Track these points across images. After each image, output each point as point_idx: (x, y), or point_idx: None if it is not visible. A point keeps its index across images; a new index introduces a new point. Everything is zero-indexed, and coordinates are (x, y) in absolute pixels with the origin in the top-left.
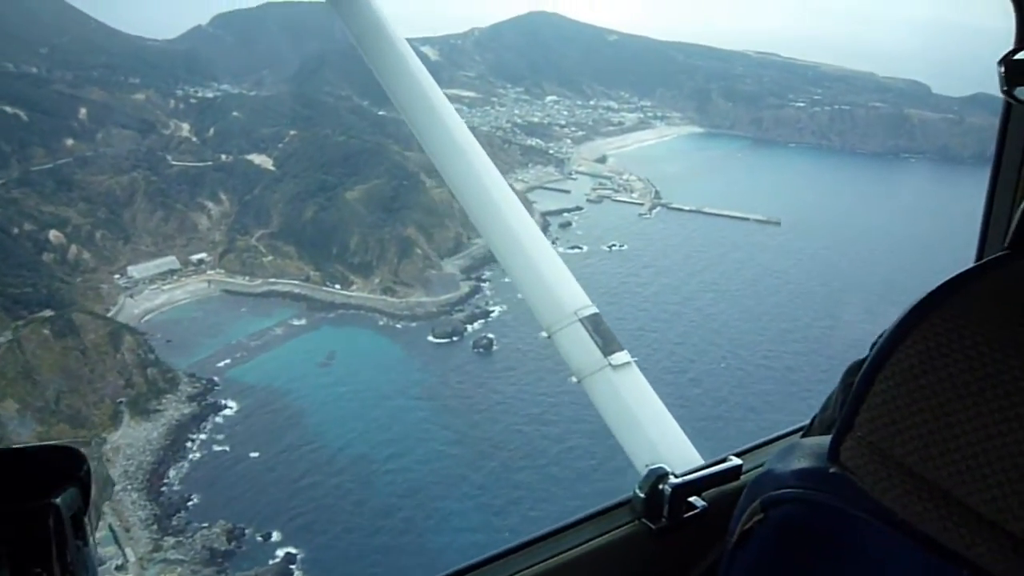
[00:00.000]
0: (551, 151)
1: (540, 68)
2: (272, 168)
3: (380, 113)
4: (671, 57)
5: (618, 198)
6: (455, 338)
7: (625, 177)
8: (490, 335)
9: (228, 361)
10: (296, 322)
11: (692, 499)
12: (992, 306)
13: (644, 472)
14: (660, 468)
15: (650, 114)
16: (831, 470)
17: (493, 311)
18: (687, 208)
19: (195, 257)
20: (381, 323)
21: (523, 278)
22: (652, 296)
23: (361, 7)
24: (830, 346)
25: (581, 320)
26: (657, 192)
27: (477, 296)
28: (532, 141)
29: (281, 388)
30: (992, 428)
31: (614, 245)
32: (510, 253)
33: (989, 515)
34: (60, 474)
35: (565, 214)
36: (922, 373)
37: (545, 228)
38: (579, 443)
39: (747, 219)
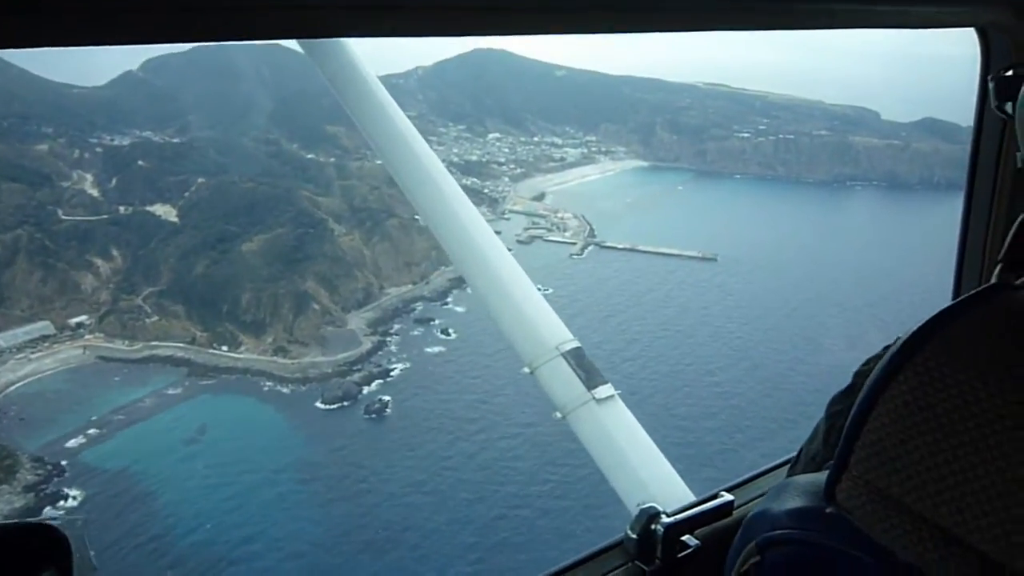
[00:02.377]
0: (486, 190)
1: (484, 105)
2: (175, 220)
3: (308, 156)
4: (618, 91)
5: (550, 238)
6: (347, 403)
7: (560, 215)
8: (385, 397)
9: (83, 440)
10: (172, 391)
11: (685, 538)
12: (980, 340)
13: (635, 511)
14: (652, 507)
15: (594, 149)
16: (828, 510)
17: (395, 369)
18: (620, 246)
19: (74, 321)
20: (267, 388)
21: (503, 315)
22: None
23: (337, 53)
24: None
25: (563, 354)
26: (591, 230)
27: (380, 353)
28: (468, 180)
29: (137, 471)
30: (990, 464)
31: (539, 289)
32: (490, 290)
33: (992, 554)
34: (36, 556)
35: None
36: (917, 410)
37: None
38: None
39: (682, 256)
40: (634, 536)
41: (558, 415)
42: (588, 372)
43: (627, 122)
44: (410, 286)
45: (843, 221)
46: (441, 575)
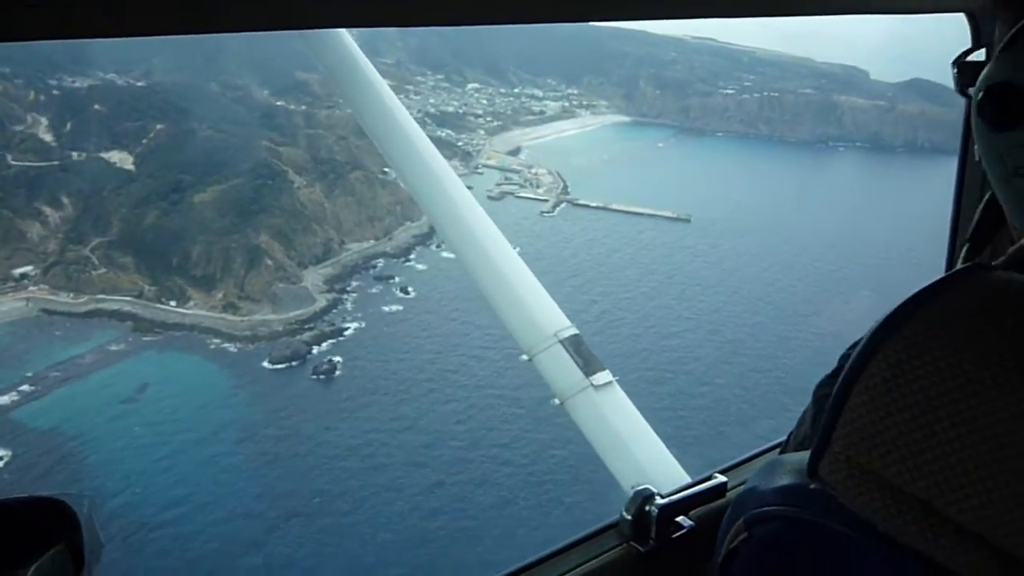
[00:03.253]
0: (460, 143)
1: (465, 54)
2: (131, 167)
3: (277, 103)
4: (604, 43)
5: (522, 194)
6: (295, 362)
7: (534, 171)
8: (336, 358)
9: (15, 397)
10: (114, 347)
11: (679, 519)
12: (958, 318)
13: (630, 494)
14: (646, 489)
15: (575, 102)
16: (811, 486)
17: (348, 328)
18: (593, 204)
19: (18, 271)
20: (213, 346)
21: (501, 302)
22: None
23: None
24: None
25: (561, 341)
26: (565, 187)
27: (335, 311)
28: (442, 132)
29: (68, 430)
30: (966, 439)
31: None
32: (488, 278)
33: (969, 525)
34: (46, 532)
35: None
36: (895, 387)
37: (433, 231)
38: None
39: (655, 216)
40: (629, 517)
41: (556, 402)
42: (586, 359)
43: (611, 75)
44: (372, 242)
45: (822, 184)
46: (365, 546)
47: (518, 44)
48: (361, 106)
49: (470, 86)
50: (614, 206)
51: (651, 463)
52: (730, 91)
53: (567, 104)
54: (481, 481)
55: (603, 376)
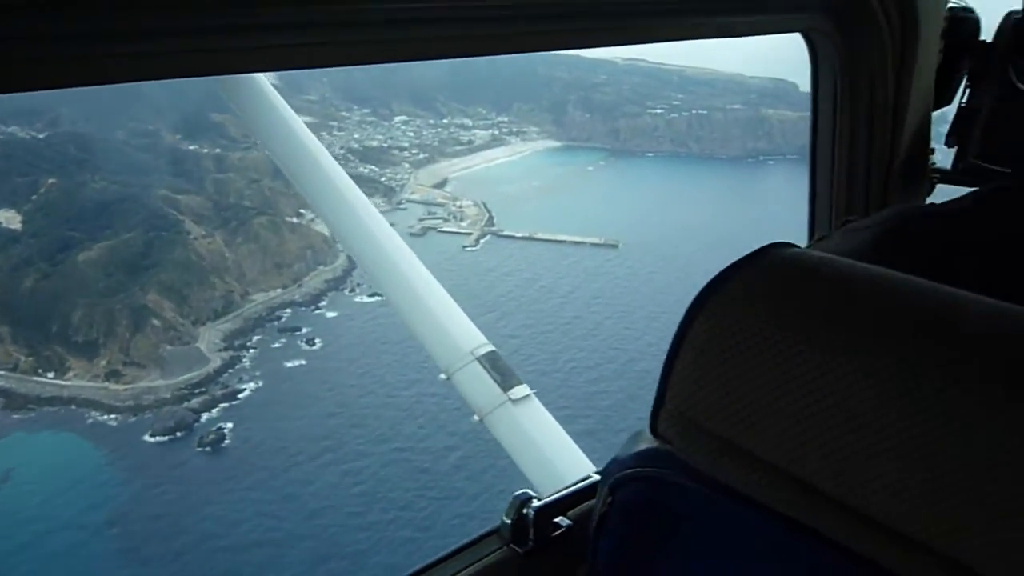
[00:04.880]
0: (384, 179)
1: (392, 87)
2: (17, 227)
3: (189, 148)
4: (533, 68)
5: (445, 228)
6: (180, 433)
7: (458, 203)
8: (227, 425)
9: None
10: None
11: (558, 519)
12: (754, 290)
13: (511, 500)
14: (524, 494)
15: (505, 130)
16: (656, 446)
17: (244, 390)
18: (519, 235)
19: None
20: (91, 421)
21: (418, 323)
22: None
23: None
24: None
25: (478, 359)
26: (490, 218)
27: (231, 371)
28: (365, 169)
29: None
30: (766, 388)
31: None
32: (403, 299)
33: (773, 461)
34: None
35: None
36: (709, 350)
37: (349, 272)
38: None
39: (583, 243)
40: (508, 521)
41: (476, 418)
42: (503, 374)
43: (540, 101)
44: (279, 291)
45: (753, 198)
46: None
47: (448, 74)
48: (273, 143)
49: (397, 119)
50: (540, 235)
51: (571, 473)
52: (659, 111)
53: (497, 132)
54: (373, 550)
55: (521, 390)
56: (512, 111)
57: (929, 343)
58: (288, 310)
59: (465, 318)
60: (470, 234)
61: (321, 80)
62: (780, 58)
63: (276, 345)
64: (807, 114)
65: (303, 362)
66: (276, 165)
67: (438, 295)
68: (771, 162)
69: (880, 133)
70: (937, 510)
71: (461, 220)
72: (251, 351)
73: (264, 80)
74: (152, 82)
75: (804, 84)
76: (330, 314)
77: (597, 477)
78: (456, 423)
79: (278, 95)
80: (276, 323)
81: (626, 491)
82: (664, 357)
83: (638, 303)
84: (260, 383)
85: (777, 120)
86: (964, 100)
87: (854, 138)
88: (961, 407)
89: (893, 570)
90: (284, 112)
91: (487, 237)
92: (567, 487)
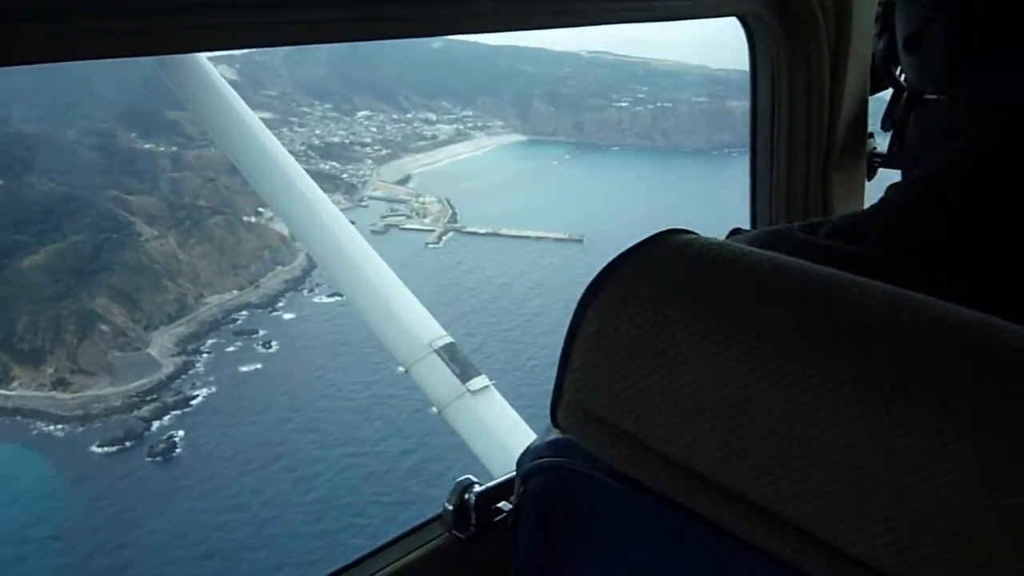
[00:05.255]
0: (345, 176)
1: (354, 82)
2: None
3: (144, 147)
4: (496, 62)
5: (408, 225)
6: (129, 443)
7: (421, 200)
8: (178, 433)
9: None
10: None
11: (500, 504)
12: (645, 276)
13: (452, 484)
14: (466, 479)
15: (469, 124)
16: (558, 435)
17: (197, 396)
18: (482, 231)
19: None
20: (36, 431)
21: (375, 316)
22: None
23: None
24: None
25: (436, 351)
26: (454, 214)
27: (184, 377)
28: (326, 165)
29: None
30: (656, 375)
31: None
32: (360, 292)
33: (661, 449)
34: None
35: None
36: (601, 337)
37: (308, 272)
38: None
39: (546, 238)
40: (450, 508)
41: (435, 410)
42: (462, 366)
43: (505, 95)
44: (235, 292)
45: (716, 190)
46: None
47: (412, 68)
48: (226, 138)
49: (360, 114)
50: (504, 231)
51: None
52: (624, 104)
53: (461, 127)
54: (326, 560)
55: (479, 381)
56: (476, 105)
57: (835, 328)
58: (244, 312)
59: (424, 311)
60: (433, 231)
61: (281, 75)
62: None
63: (231, 349)
64: None
65: (259, 366)
66: (232, 164)
67: (396, 289)
68: (735, 154)
69: (819, 118)
70: (838, 510)
71: (424, 217)
72: (205, 356)
73: (215, 72)
74: (105, 79)
75: None
76: (288, 315)
77: None
78: (413, 425)
79: (230, 88)
80: (231, 326)
81: (537, 480)
82: None
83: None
84: (214, 389)
85: (741, 112)
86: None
87: (793, 124)
88: (871, 407)
89: (793, 564)
90: (237, 106)
91: (450, 234)
92: (509, 473)
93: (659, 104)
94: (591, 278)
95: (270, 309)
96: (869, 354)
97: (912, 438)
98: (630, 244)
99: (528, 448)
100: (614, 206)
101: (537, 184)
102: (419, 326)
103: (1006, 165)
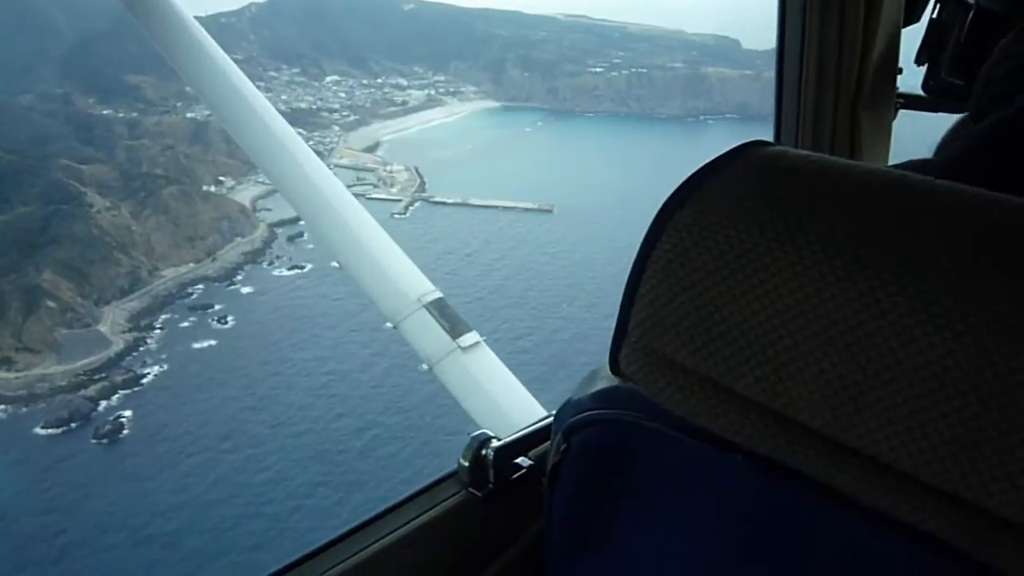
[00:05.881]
0: (311, 143)
1: (324, 45)
2: None
3: (103, 112)
4: (470, 26)
5: (374, 195)
6: (75, 424)
7: (389, 168)
8: (126, 414)
9: None
10: None
11: (519, 460)
12: (734, 192)
13: (468, 440)
14: (482, 434)
15: (442, 90)
16: (620, 384)
17: (148, 374)
18: (450, 201)
19: None
20: None
21: (362, 271)
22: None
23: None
24: None
25: (426, 306)
26: (422, 183)
27: (135, 354)
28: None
29: None
30: (747, 310)
31: (335, 264)
32: (346, 247)
33: (755, 397)
34: None
35: (302, 222)
36: (679, 267)
37: (269, 243)
38: None
39: (516, 208)
40: (466, 464)
41: (424, 367)
42: (452, 322)
43: (479, 60)
44: (192, 265)
45: (692, 157)
46: None
47: (383, 31)
48: (205, 87)
49: (328, 79)
50: (473, 201)
51: (519, 412)
52: (599, 69)
53: (433, 92)
54: (272, 543)
55: (470, 337)
56: (449, 70)
57: (958, 247)
58: (201, 286)
59: (412, 266)
60: (400, 200)
61: (248, 38)
62: (723, 9)
63: (185, 324)
64: (748, 72)
65: (213, 342)
66: (194, 130)
67: (383, 244)
68: (711, 121)
69: (850, 51)
70: (965, 457)
71: (391, 186)
72: (158, 331)
73: (191, 18)
74: (64, 42)
75: (747, 41)
76: (245, 289)
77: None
78: (368, 403)
79: (208, 36)
80: (187, 300)
81: (583, 436)
82: (593, 324)
83: (567, 270)
84: (165, 366)
85: (717, 79)
86: (934, 15)
87: (823, 57)
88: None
89: (894, 514)
90: (216, 54)
91: (417, 204)
92: (526, 427)
93: (634, 70)
94: (560, 248)
95: (228, 283)
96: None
97: None
98: (601, 215)
99: (568, 402)
100: (587, 174)
101: (509, 152)
102: (407, 281)
103: None
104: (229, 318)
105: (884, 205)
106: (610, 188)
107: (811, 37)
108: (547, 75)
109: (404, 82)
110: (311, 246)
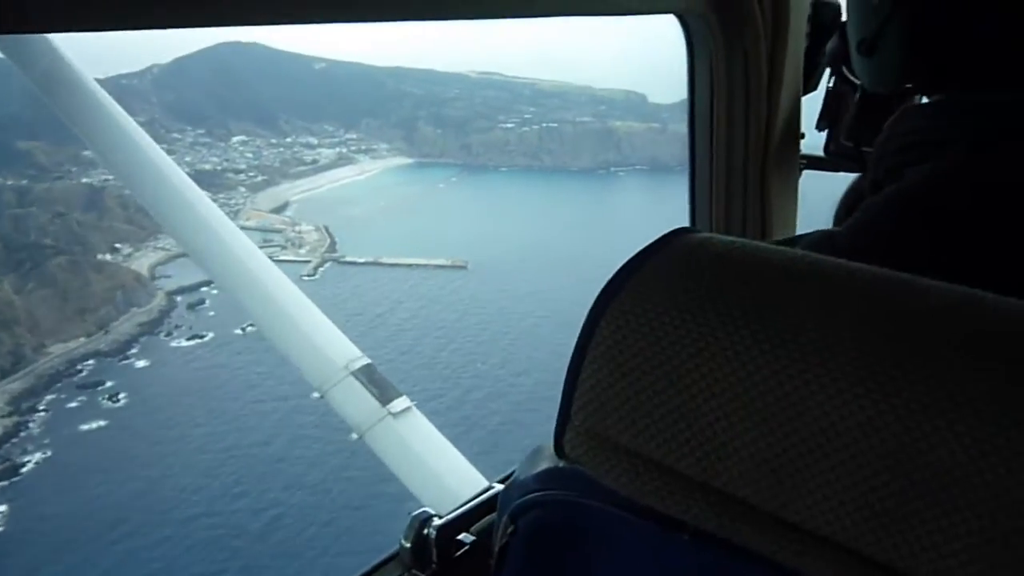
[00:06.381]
0: (216, 205)
1: (230, 105)
2: None
3: None
4: (381, 83)
5: (282, 257)
6: None
7: (298, 229)
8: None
9: None
10: None
11: (461, 536)
12: (664, 280)
13: (408, 520)
14: (423, 513)
15: (353, 148)
16: (560, 464)
17: (28, 461)
18: (362, 260)
19: None
20: None
21: (286, 340)
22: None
23: (44, 52)
24: None
25: (353, 373)
26: (333, 243)
27: (15, 441)
28: None
29: None
30: (685, 393)
31: (252, 325)
32: (268, 315)
33: (697, 477)
34: None
35: (203, 289)
36: (619, 352)
37: (168, 313)
38: None
39: (429, 266)
40: (408, 545)
41: (354, 436)
42: (381, 388)
43: (390, 117)
44: (83, 340)
45: (603, 209)
46: None
47: (293, 90)
48: (110, 155)
49: (235, 139)
50: (385, 260)
51: (459, 484)
52: (510, 125)
53: (344, 150)
54: None
55: (401, 403)
56: (361, 128)
57: (876, 328)
58: (92, 362)
59: (338, 332)
60: (309, 262)
61: (150, 100)
62: (631, 69)
63: (73, 405)
64: (655, 125)
65: (103, 423)
66: (89, 195)
67: (307, 310)
68: (621, 173)
69: (756, 118)
70: (896, 529)
71: (300, 247)
72: (41, 414)
73: (95, 83)
74: None
75: (653, 96)
76: (140, 363)
77: (498, 487)
78: (269, 480)
79: (111, 99)
80: (75, 378)
81: (529, 518)
82: (520, 394)
83: (480, 327)
84: (48, 452)
85: (625, 132)
86: (831, 83)
87: (732, 124)
88: (940, 408)
89: (808, 570)
90: (122, 120)
91: (328, 264)
92: (467, 502)
93: (545, 125)
94: (473, 305)
95: (121, 357)
96: (950, 364)
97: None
98: (516, 269)
99: (513, 482)
100: (501, 228)
101: (423, 208)
102: (334, 348)
103: (1007, 181)
104: (121, 395)
105: (807, 288)
106: (525, 241)
107: (719, 107)
108: (460, 131)
109: (314, 140)
110: (212, 313)
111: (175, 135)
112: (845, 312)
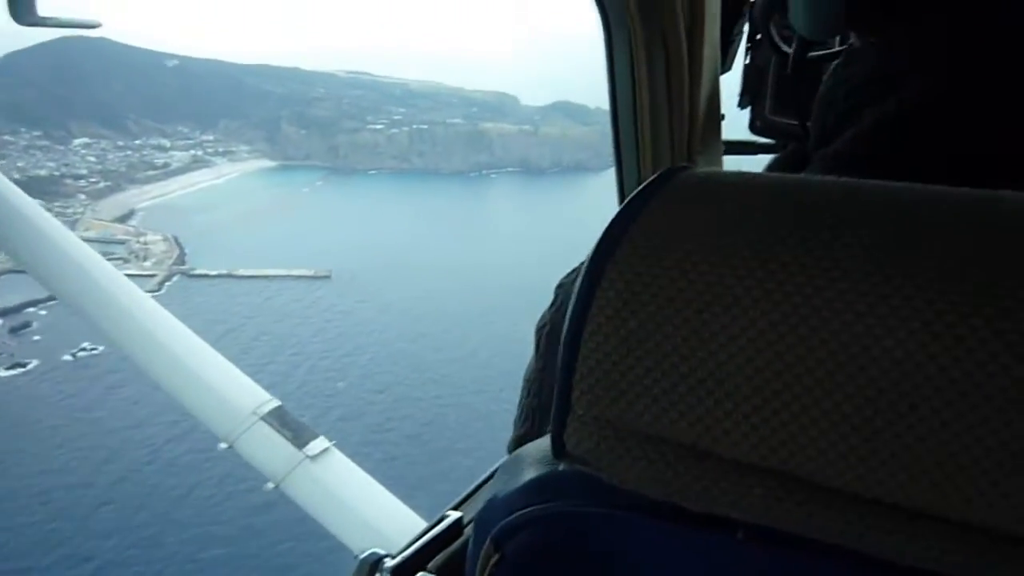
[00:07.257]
0: (52, 214)
1: (72, 105)
2: None
3: None
4: (241, 82)
5: (125, 271)
6: None
7: (144, 239)
8: None
9: None
10: None
11: (420, 575)
12: (680, 221)
13: (356, 565)
14: (372, 554)
15: (210, 150)
16: (560, 468)
17: None
18: (214, 273)
19: None
20: None
21: (186, 391)
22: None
23: None
24: None
25: (263, 418)
26: (182, 254)
27: None
28: None
29: None
30: (720, 353)
31: (84, 350)
32: (162, 365)
33: (745, 458)
34: None
35: (30, 309)
36: (629, 315)
37: None
38: None
39: (289, 276)
40: None
41: (270, 485)
42: (295, 430)
43: (251, 117)
44: None
45: (477, 213)
46: None
47: (143, 89)
48: None
49: (77, 142)
50: (241, 271)
51: (386, 522)
52: (379, 126)
53: (200, 153)
54: None
55: (318, 444)
56: (218, 129)
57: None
58: None
59: (241, 375)
60: (154, 276)
61: None
62: (505, 70)
63: None
64: (527, 127)
65: None
66: None
67: (204, 355)
68: (493, 175)
69: (679, 105)
70: (959, 480)
71: (145, 260)
72: None
73: None
74: None
75: (525, 98)
76: None
77: (455, 515)
78: (103, 541)
79: None
80: None
81: (520, 540)
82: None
83: (339, 340)
84: None
85: (497, 134)
86: (747, 60)
87: (655, 113)
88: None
89: (905, 556)
90: None
91: (176, 278)
92: (421, 535)
93: (416, 126)
94: (335, 316)
95: None
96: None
97: None
98: (382, 278)
99: (490, 502)
100: (370, 234)
101: (286, 213)
102: (238, 393)
103: (965, 119)
104: None
105: (843, 212)
106: (395, 248)
107: (641, 97)
108: (326, 132)
109: (166, 143)
110: (38, 337)
111: (7, 137)
112: (917, 234)
